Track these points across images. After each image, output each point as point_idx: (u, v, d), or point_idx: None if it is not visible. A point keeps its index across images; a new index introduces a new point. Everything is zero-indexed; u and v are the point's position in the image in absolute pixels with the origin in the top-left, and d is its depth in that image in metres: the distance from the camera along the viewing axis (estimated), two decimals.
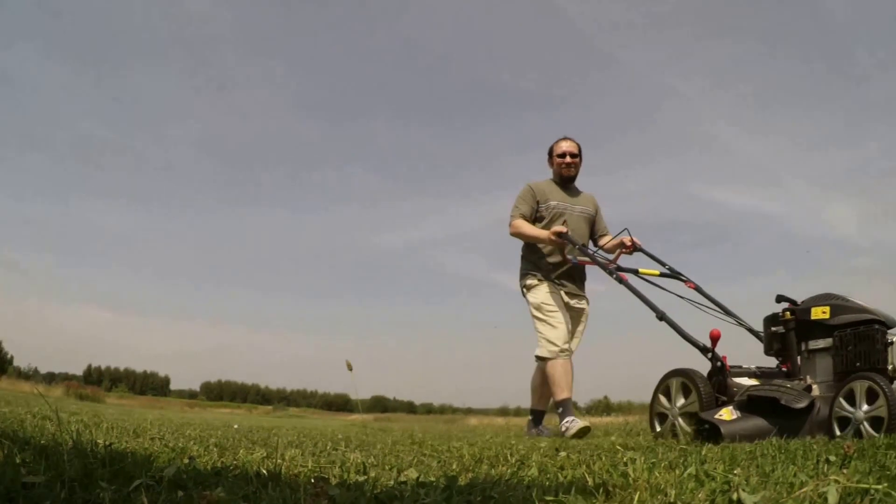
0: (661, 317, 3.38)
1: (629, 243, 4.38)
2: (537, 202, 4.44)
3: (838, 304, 2.71)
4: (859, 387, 2.35)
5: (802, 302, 2.92)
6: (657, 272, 4.06)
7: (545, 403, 4.47)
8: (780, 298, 3.00)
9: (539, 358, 4.24)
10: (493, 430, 5.46)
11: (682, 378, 3.00)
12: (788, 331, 2.85)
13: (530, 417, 4.47)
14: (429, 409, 52.01)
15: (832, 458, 1.62)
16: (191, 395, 61.01)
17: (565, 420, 3.92)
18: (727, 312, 3.69)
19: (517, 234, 4.46)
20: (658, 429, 3.08)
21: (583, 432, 3.74)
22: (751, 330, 3.57)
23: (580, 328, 4.47)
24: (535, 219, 4.45)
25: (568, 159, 4.51)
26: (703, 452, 1.89)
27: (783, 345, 2.92)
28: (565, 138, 4.57)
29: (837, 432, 2.39)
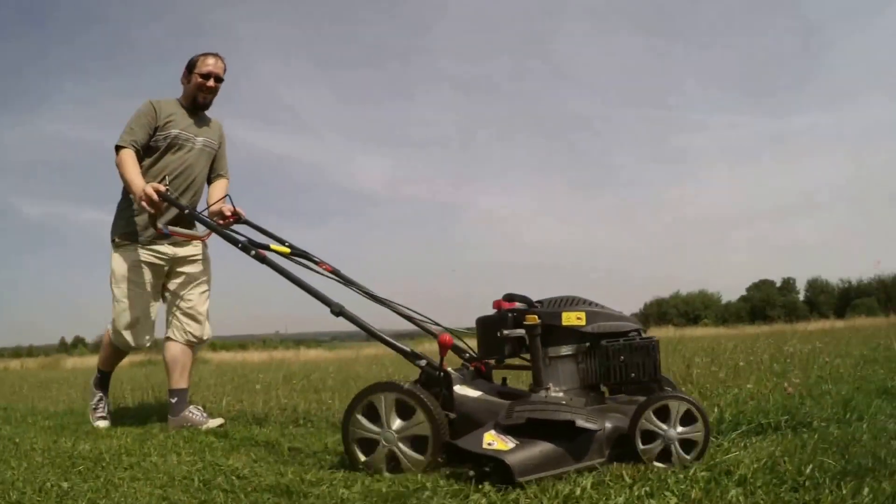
0: (340, 312, 2.60)
1: (229, 213, 3.47)
2: (156, 128, 3.48)
3: (594, 311, 2.50)
4: (676, 406, 2.19)
5: (541, 303, 2.59)
6: (287, 250, 3.15)
7: (186, 380, 3.63)
8: (511, 297, 2.62)
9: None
10: None
11: (397, 394, 2.33)
12: (534, 336, 2.48)
13: (172, 400, 3.59)
14: None
15: None
16: None
17: (99, 396, 3.77)
18: (382, 302, 3.05)
19: (118, 169, 3.39)
20: (363, 458, 2.34)
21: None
22: (421, 323, 3.01)
23: (198, 282, 3.66)
24: (147, 147, 3.49)
25: (211, 82, 3.57)
26: None
27: (515, 350, 2.56)
28: (215, 55, 3.60)
29: (640, 446, 2.18)
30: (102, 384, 3.80)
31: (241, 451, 2.68)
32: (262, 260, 2.82)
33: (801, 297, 59.02)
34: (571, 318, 2.47)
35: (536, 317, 2.47)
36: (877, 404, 2.95)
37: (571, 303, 2.53)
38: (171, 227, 3.28)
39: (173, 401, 3.55)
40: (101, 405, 3.76)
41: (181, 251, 3.60)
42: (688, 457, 2.12)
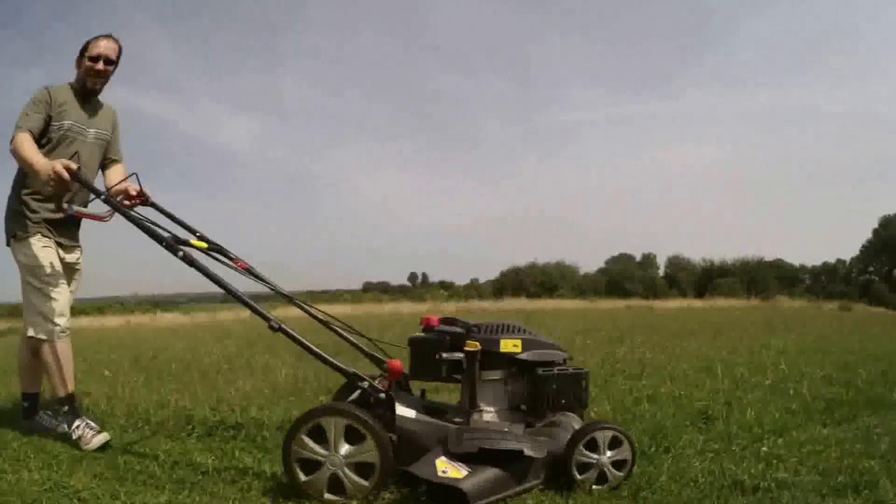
0: (279, 328, 2.55)
1: (135, 193, 3.36)
2: (50, 117, 3.33)
3: (529, 339, 2.67)
4: (602, 436, 2.45)
5: (477, 328, 2.72)
6: (204, 245, 3.02)
7: (39, 384, 3.57)
8: (451, 321, 2.79)
9: (32, 339, 3.30)
10: None
11: (348, 420, 2.36)
12: (473, 362, 2.62)
13: (25, 404, 3.54)
14: None
15: None
16: None
17: (76, 425, 3.26)
18: (299, 306, 3.10)
19: (15, 154, 3.21)
20: (304, 477, 2.39)
21: (102, 446, 3.16)
22: (339, 329, 3.09)
23: (73, 287, 3.56)
24: (41, 137, 3.33)
25: (100, 65, 3.38)
26: None
27: (451, 372, 2.67)
28: (109, 37, 3.42)
29: (578, 477, 2.43)
30: (72, 411, 3.37)
31: (83, 465, 2.82)
32: (191, 263, 2.67)
33: (661, 272, 59.56)
34: (508, 346, 2.64)
35: (477, 343, 2.61)
36: (687, 437, 2.93)
37: (508, 330, 2.70)
38: (75, 208, 3.13)
39: (26, 405, 3.54)
40: (80, 429, 3.27)
41: (68, 257, 3.48)
42: (620, 474, 2.43)
